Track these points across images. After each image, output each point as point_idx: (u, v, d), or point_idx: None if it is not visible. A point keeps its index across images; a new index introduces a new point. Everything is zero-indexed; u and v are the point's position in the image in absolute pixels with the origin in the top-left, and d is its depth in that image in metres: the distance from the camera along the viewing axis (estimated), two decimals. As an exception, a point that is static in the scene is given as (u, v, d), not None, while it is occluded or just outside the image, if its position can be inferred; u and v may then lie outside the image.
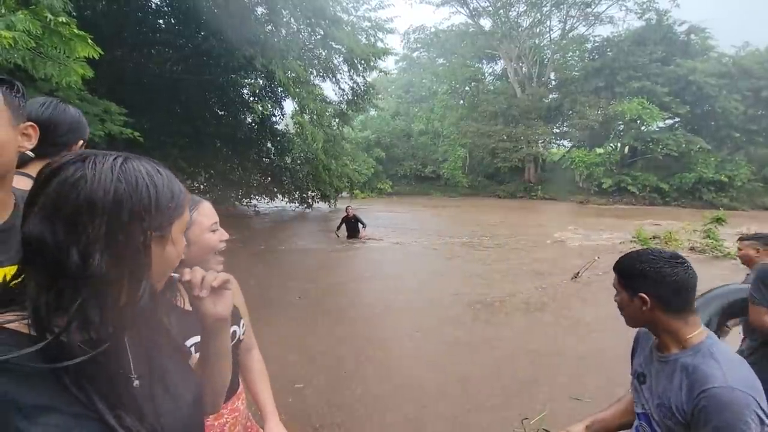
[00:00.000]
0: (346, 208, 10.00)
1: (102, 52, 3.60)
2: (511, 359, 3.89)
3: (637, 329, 1.36)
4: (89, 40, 3.66)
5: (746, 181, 21.42)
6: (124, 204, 0.53)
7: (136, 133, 5.63)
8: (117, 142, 5.92)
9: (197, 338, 1.13)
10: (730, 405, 0.98)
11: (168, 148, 10.28)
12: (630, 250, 1.26)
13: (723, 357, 1.08)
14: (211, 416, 1.18)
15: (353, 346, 3.69)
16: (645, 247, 1.24)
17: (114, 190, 0.53)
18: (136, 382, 0.60)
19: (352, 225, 9.71)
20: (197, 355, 1.14)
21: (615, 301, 1.26)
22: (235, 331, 1.25)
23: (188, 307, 1.19)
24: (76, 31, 3.59)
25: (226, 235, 1.19)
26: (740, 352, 2.05)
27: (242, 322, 1.30)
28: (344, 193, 17.75)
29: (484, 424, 2.80)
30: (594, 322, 4.73)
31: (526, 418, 2.81)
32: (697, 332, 1.15)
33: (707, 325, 2.21)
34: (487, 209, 18.77)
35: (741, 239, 2.88)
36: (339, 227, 9.81)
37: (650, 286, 1.14)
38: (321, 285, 5.80)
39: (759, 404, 0.99)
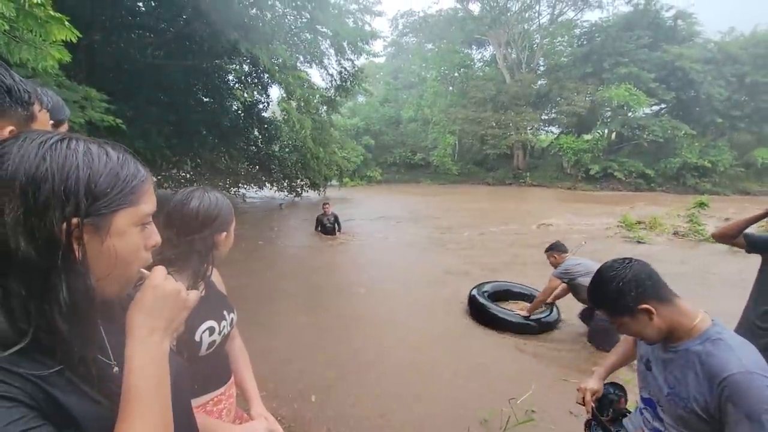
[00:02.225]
0: (323, 206, 8.88)
1: (80, 35, 3.47)
2: (503, 346, 3.97)
3: None
4: (66, 23, 3.52)
5: (728, 166, 21.82)
6: (42, 184, 0.49)
7: (119, 121, 5.46)
8: (99, 131, 5.76)
9: (211, 323, 1.17)
10: (753, 389, 1.00)
11: (153, 136, 10.02)
12: (593, 281, 1.23)
13: (733, 341, 1.10)
14: (210, 402, 1.21)
15: (364, 356, 3.62)
16: (610, 260, 1.22)
17: (35, 168, 0.49)
18: (116, 369, 0.61)
19: (331, 223, 8.73)
20: (211, 339, 1.17)
21: (622, 333, 1.24)
22: (232, 318, 1.29)
23: (202, 292, 1.19)
24: (51, 12, 3.44)
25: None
26: None
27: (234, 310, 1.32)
28: (333, 181, 17.64)
29: (472, 407, 2.86)
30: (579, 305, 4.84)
31: (513, 398, 2.88)
32: (700, 318, 1.16)
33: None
34: (477, 197, 18.88)
35: (546, 251, 4.25)
36: (316, 226, 8.83)
37: (638, 295, 1.13)
38: (328, 286, 5.66)
39: None
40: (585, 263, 3.89)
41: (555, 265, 4.06)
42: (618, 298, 1.15)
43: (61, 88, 4.80)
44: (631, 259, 1.19)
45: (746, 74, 21.97)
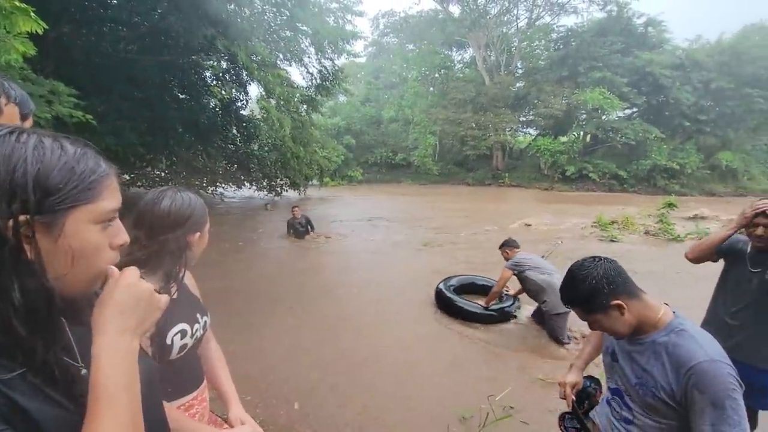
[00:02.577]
0: (292, 209, 8.70)
1: (46, 27, 3.32)
2: (483, 346, 4.02)
3: None
4: (32, 14, 3.37)
5: (695, 168, 22.79)
6: None
7: (89, 116, 5.25)
8: (67, 127, 5.52)
9: (183, 325, 1.14)
10: (718, 377, 1.06)
11: (125, 133, 9.70)
12: (565, 280, 1.26)
13: (696, 332, 1.16)
14: (182, 408, 1.18)
15: (350, 357, 3.57)
16: (585, 258, 1.24)
17: None
18: (84, 371, 0.58)
19: (303, 226, 8.54)
20: (182, 342, 1.14)
21: (595, 329, 1.28)
22: (205, 321, 1.26)
23: (174, 295, 1.16)
24: (16, 3, 3.29)
25: None
26: None
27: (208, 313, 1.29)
28: (314, 181, 17.51)
29: (453, 405, 2.89)
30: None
31: (492, 395, 2.92)
32: (664, 311, 1.22)
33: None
34: (459, 197, 19.10)
35: (499, 247, 4.62)
36: (288, 230, 8.60)
37: (610, 292, 1.18)
38: (314, 287, 5.52)
39: (733, 369, 1.08)
40: (534, 258, 4.25)
41: (508, 259, 4.38)
42: (592, 296, 1.19)
43: (26, 81, 4.59)
44: (600, 258, 1.23)
45: (712, 80, 22.98)
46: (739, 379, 1.08)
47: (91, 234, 0.55)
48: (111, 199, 0.57)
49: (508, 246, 4.52)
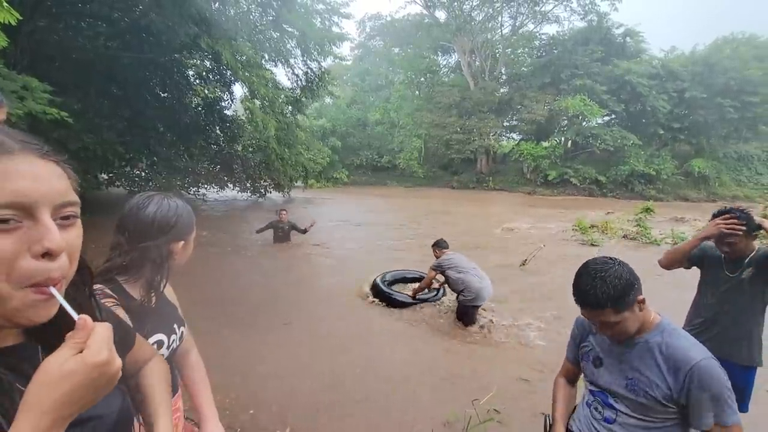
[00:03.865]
0: (279, 212, 8.31)
1: (20, 17, 3.20)
2: (461, 349, 4.04)
3: (577, 316, 1.40)
4: (4, 4, 3.24)
5: (670, 174, 23.58)
6: None
7: (64, 114, 5.07)
8: (41, 124, 5.32)
9: (160, 336, 1.10)
10: (715, 374, 1.13)
11: (104, 131, 9.42)
12: (589, 283, 1.19)
13: (683, 333, 1.23)
14: None
15: (344, 377, 3.38)
16: (593, 252, 1.25)
17: None
18: None
19: (285, 232, 8.18)
20: (161, 352, 1.09)
21: (608, 335, 1.25)
22: (182, 332, 1.22)
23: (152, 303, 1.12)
24: (-14, -7, 3.16)
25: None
26: None
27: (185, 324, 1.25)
28: (299, 183, 17.35)
29: (436, 409, 2.88)
30: (539, 307, 5.03)
31: (476, 399, 2.93)
32: (654, 314, 1.27)
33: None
34: (444, 200, 19.21)
35: (432, 246, 4.94)
36: (263, 229, 8.10)
37: (639, 287, 1.20)
38: (304, 300, 5.32)
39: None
40: (454, 258, 4.63)
41: (438, 257, 4.78)
42: (625, 292, 1.15)
43: (-2, 76, 4.42)
44: (613, 258, 1.24)
45: (686, 90, 23.82)
46: None
47: None
48: None
49: (437, 246, 4.89)
